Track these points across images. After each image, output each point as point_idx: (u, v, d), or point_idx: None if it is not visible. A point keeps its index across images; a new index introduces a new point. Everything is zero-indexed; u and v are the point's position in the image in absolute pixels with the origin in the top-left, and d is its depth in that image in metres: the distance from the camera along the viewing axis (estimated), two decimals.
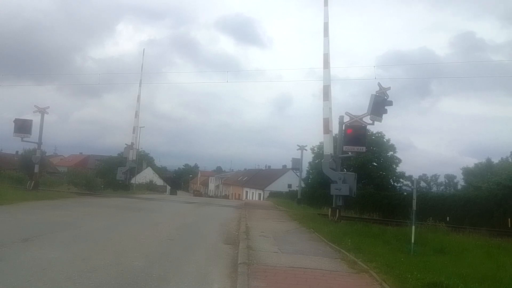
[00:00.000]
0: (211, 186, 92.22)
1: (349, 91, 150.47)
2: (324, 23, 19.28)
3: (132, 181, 38.83)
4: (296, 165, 39.07)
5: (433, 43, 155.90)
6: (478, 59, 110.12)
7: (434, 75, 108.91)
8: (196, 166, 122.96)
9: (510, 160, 42.04)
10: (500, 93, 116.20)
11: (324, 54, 18.89)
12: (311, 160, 44.98)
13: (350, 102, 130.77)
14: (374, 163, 41.53)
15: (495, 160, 45.11)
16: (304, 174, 43.49)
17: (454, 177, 59.66)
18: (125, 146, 33.96)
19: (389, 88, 16.52)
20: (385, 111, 16.52)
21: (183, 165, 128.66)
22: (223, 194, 75.85)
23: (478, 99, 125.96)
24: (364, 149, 16.95)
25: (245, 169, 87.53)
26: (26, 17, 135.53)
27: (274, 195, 46.97)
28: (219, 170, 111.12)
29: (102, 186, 33.08)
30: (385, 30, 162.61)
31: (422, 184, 57.06)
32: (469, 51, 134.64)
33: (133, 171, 37.46)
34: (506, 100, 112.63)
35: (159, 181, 65.69)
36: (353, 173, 18.17)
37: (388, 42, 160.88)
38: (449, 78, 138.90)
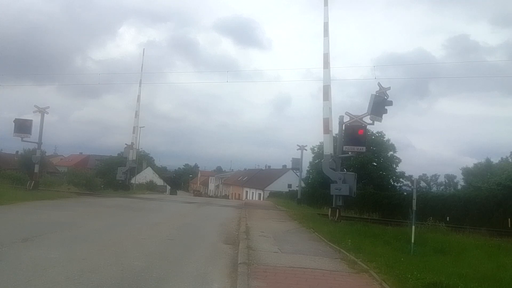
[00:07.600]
0: (211, 186, 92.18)
1: (347, 92, 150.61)
2: (324, 23, 19.32)
3: (132, 181, 38.84)
4: (296, 165, 39.04)
5: (429, 45, 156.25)
6: (473, 61, 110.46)
7: (431, 76, 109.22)
8: (196, 166, 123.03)
9: (509, 160, 42.04)
10: (496, 94, 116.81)
11: (324, 54, 18.92)
12: (311, 160, 45.08)
13: (348, 102, 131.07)
14: (374, 163, 41.51)
15: (494, 160, 45.16)
16: (304, 174, 43.53)
17: (454, 177, 59.80)
18: (125, 146, 33.98)
19: (389, 88, 16.55)
20: (385, 111, 16.55)
21: (183, 165, 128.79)
22: (223, 194, 75.78)
23: (475, 100, 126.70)
24: (364, 149, 16.97)
25: (245, 169, 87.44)
26: (31, 19, 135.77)
27: (274, 195, 46.95)
28: (219, 170, 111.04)
29: (102, 186, 33.10)
30: (382, 32, 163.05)
31: (422, 184, 56.66)
32: (464, 53, 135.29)
33: (133, 171, 37.44)
34: (502, 100, 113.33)
35: (159, 181, 65.70)
36: (353, 173, 18.18)
37: (385, 44, 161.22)
38: (446, 79, 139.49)
